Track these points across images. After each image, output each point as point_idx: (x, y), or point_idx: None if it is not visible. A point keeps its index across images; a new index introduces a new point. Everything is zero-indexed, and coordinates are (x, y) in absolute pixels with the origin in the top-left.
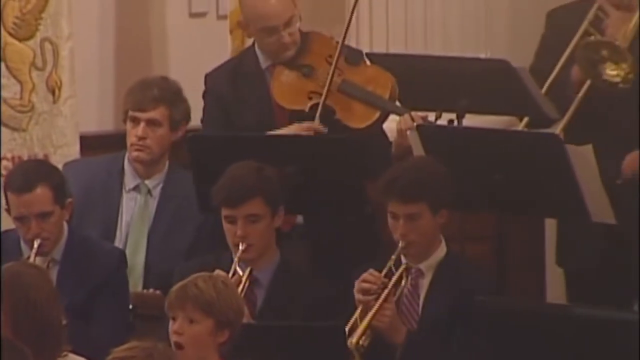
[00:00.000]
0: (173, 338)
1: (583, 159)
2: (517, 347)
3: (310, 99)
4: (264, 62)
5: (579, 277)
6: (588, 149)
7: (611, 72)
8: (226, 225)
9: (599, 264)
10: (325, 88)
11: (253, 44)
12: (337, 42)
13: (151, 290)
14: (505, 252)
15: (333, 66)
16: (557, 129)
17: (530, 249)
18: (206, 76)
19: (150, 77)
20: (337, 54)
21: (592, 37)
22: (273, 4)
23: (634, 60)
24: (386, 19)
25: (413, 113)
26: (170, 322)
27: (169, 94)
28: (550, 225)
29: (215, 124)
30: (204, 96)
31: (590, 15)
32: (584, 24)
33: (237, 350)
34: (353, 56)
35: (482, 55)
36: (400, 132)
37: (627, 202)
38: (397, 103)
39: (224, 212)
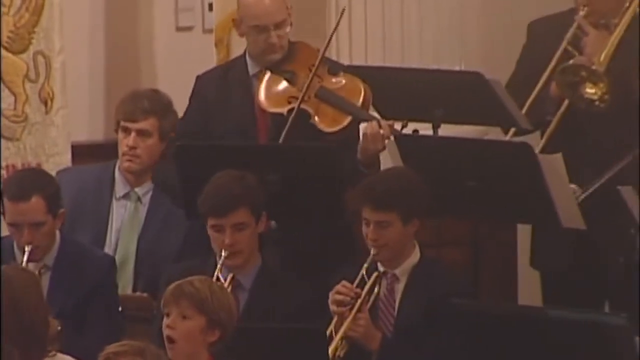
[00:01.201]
0: (166, 332)
1: (553, 167)
2: (491, 349)
3: (289, 102)
4: (252, 69)
5: (553, 280)
6: (558, 157)
7: (590, 90)
8: (213, 234)
9: (570, 266)
10: (302, 92)
11: (244, 52)
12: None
13: (138, 293)
14: (479, 256)
15: (312, 73)
16: (539, 146)
17: (504, 253)
18: (197, 78)
19: (141, 89)
20: (317, 62)
21: (571, 61)
22: (267, 4)
23: (609, 81)
24: (365, 32)
25: (381, 120)
26: (164, 318)
27: (159, 106)
28: (522, 230)
29: (192, 127)
30: (191, 97)
31: (569, 34)
32: (563, 44)
33: (224, 351)
34: (334, 68)
35: (457, 68)
36: (366, 137)
37: (598, 209)
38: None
39: (211, 221)
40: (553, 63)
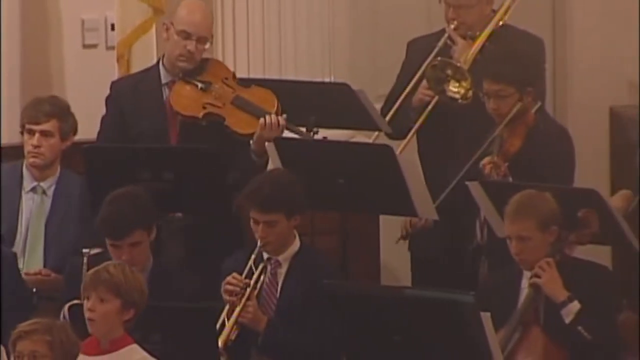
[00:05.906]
0: (87, 314)
1: (411, 165)
2: (359, 324)
3: (204, 108)
4: (164, 78)
5: (423, 263)
6: (414, 157)
7: (454, 89)
8: (112, 250)
9: (440, 253)
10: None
11: (158, 62)
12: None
13: (44, 269)
14: (348, 243)
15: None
16: (401, 146)
17: (368, 241)
18: (112, 83)
19: (42, 96)
20: (232, 73)
21: (439, 58)
22: (198, 17)
23: (472, 80)
24: (247, 48)
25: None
26: (85, 301)
27: (59, 109)
28: (384, 220)
29: (111, 128)
30: (106, 101)
31: (441, 42)
32: (435, 50)
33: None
34: (246, 81)
35: (327, 79)
36: (262, 126)
37: (456, 202)
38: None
39: (109, 241)
40: (425, 65)
